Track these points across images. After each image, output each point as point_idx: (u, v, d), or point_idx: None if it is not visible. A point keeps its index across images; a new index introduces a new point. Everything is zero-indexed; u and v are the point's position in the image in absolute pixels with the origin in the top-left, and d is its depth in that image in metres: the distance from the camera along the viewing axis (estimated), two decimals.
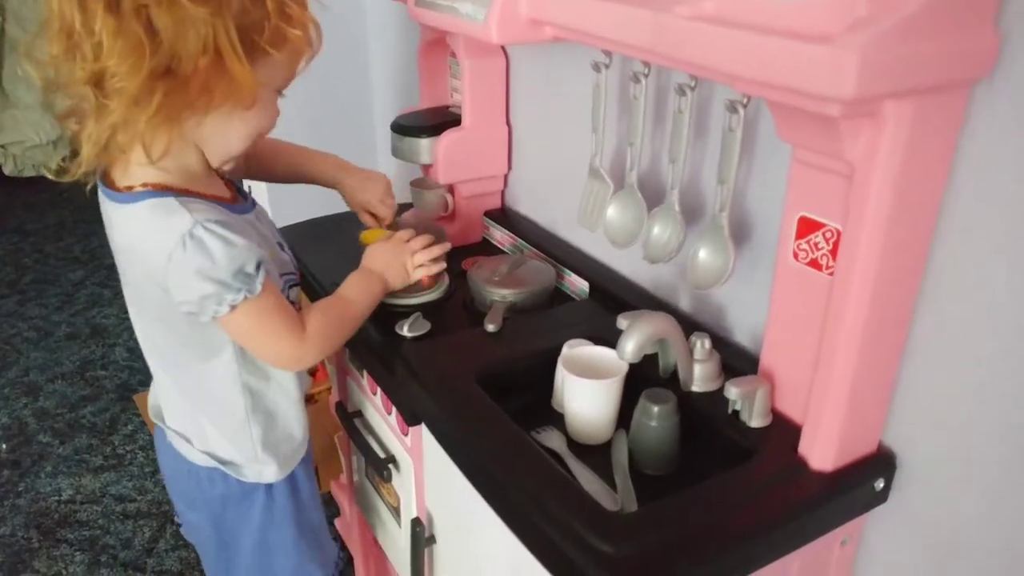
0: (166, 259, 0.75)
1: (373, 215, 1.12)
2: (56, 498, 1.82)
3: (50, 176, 0.78)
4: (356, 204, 1.10)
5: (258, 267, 0.79)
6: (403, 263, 1.00)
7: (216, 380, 0.89)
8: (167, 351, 0.91)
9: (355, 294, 0.95)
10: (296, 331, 0.85)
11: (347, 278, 0.97)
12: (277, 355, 0.87)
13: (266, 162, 1.06)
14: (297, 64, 0.80)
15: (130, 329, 0.91)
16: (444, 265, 1.04)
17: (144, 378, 2.24)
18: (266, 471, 0.95)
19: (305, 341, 0.86)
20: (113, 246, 0.84)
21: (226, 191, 0.87)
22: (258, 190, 1.66)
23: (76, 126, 0.75)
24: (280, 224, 1.01)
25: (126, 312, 0.91)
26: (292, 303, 0.91)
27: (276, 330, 0.83)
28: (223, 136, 0.79)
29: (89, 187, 0.80)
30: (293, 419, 0.96)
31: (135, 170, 0.78)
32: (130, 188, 0.78)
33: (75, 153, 0.74)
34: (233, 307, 0.78)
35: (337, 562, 1.12)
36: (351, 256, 1.03)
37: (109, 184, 0.80)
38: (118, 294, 0.87)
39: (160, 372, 0.93)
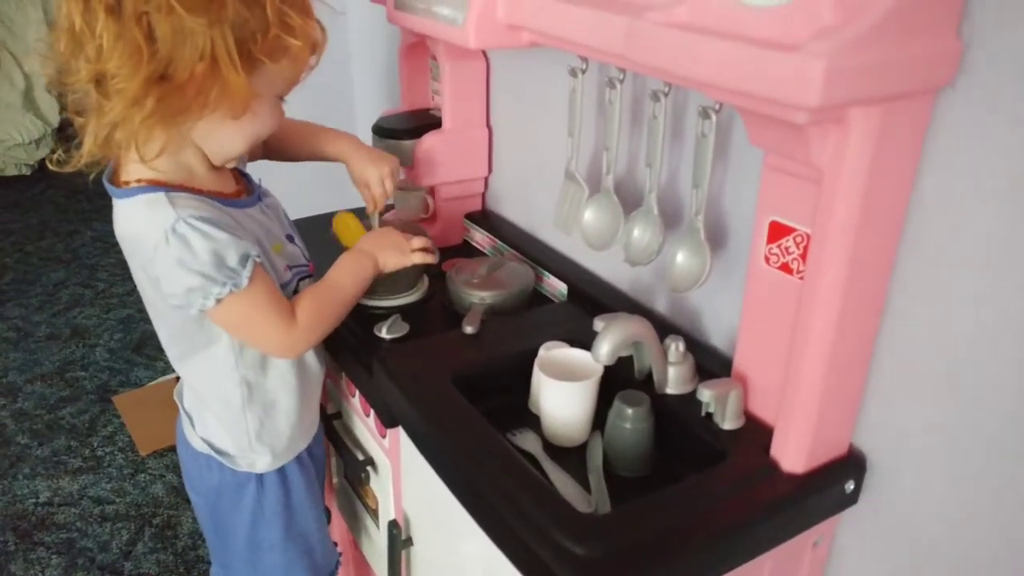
0: (153, 252, 0.78)
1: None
2: (33, 500, 1.80)
3: (51, 167, 0.82)
4: (358, 180, 1.09)
5: (244, 260, 0.80)
6: (400, 245, 1.00)
7: (213, 371, 0.91)
8: (166, 340, 0.93)
9: (345, 277, 0.95)
10: (286, 320, 0.86)
11: (338, 259, 0.97)
12: (267, 345, 0.89)
13: (285, 143, 1.07)
14: (300, 71, 0.82)
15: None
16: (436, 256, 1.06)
17: (124, 379, 2.23)
18: (259, 461, 0.96)
19: (295, 330, 0.87)
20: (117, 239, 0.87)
21: (231, 185, 0.89)
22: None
23: (82, 119, 0.78)
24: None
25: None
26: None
27: (266, 322, 0.85)
28: (220, 138, 0.81)
29: (92, 178, 0.82)
30: (292, 411, 0.97)
31: (132, 167, 0.81)
32: (127, 183, 0.81)
33: (79, 144, 0.78)
34: (219, 300, 0.80)
35: (333, 572, 1.12)
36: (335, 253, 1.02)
37: (114, 180, 0.83)
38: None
39: (170, 357, 0.95)
